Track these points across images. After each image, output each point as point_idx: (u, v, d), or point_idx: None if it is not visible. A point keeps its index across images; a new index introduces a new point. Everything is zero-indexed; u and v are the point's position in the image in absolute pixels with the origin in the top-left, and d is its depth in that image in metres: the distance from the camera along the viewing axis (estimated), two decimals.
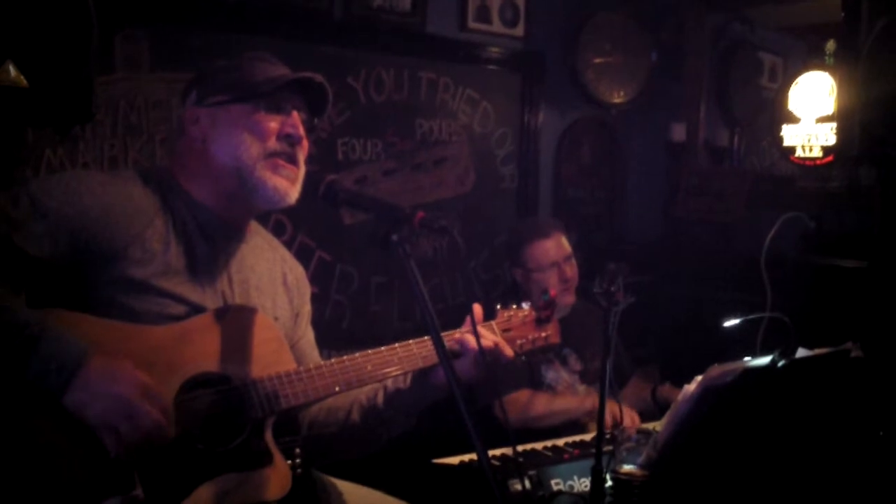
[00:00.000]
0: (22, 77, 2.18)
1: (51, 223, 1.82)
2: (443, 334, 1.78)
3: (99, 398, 1.68)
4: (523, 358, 2.29)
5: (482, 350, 2.02)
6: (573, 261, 3.39)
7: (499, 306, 2.28)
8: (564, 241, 3.40)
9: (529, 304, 2.31)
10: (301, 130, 2.05)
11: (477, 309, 2.12)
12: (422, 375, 2.13)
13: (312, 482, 2.18)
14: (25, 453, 1.66)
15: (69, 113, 2.44)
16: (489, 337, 2.16)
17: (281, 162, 2.01)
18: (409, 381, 2.16)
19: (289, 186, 2.02)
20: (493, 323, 2.26)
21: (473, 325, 1.98)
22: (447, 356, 1.72)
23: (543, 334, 2.31)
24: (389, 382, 2.17)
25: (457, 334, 2.15)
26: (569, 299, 3.34)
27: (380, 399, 2.17)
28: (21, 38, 2.24)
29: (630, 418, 3.06)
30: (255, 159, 1.99)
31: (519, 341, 2.25)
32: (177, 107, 3.10)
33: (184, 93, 2.13)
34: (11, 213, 1.80)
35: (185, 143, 2.08)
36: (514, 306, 2.29)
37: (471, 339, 2.09)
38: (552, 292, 2.35)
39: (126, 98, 3.04)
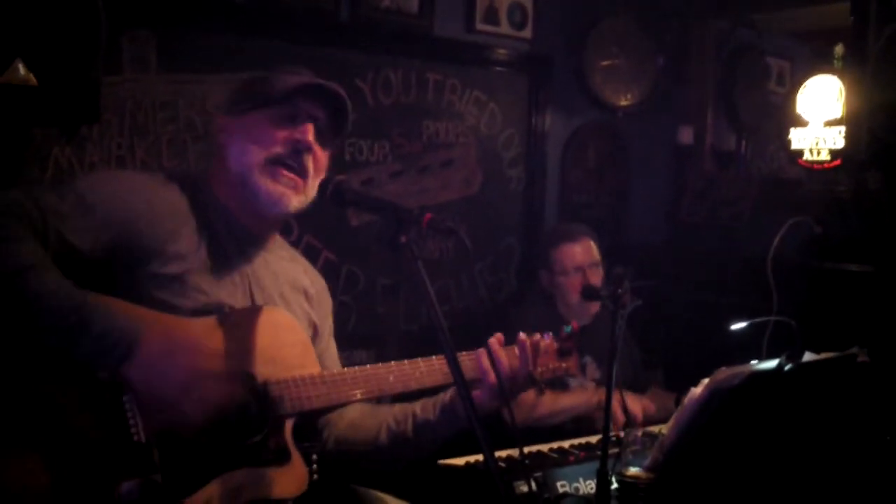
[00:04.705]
0: (32, 76, 2.19)
1: (96, 218, 1.87)
2: (460, 355, 1.79)
3: (162, 371, 1.76)
4: (543, 386, 2.31)
5: (501, 380, 2.04)
6: (600, 269, 3.41)
7: (521, 334, 2.29)
8: (594, 248, 3.43)
9: (551, 334, 2.33)
10: (309, 138, 2.05)
11: (495, 341, 2.16)
12: (451, 408, 2.16)
13: (333, 491, 2.21)
14: (50, 430, 1.70)
15: (76, 113, 2.45)
16: (506, 360, 2.18)
17: (281, 170, 2.03)
18: (437, 412, 2.18)
19: (288, 194, 2.04)
20: (514, 348, 2.27)
21: (492, 361, 1.98)
22: (460, 368, 1.73)
23: (564, 365, 2.35)
24: (419, 411, 2.20)
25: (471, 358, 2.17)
26: (593, 308, 3.35)
27: (409, 427, 2.20)
28: (29, 37, 2.25)
29: (641, 406, 3.08)
30: (253, 165, 2.02)
31: (539, 369, 2.26)
32: (183, 108, 3.15)
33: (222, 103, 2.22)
34: (60, 207, 1.85)
35: (214, 150, 2.15)
36: (538, 335, 2.30)
37: (490, 374, 2.13)
38: (574, 325, 2.38)
39: (133, 98, 3.05)
